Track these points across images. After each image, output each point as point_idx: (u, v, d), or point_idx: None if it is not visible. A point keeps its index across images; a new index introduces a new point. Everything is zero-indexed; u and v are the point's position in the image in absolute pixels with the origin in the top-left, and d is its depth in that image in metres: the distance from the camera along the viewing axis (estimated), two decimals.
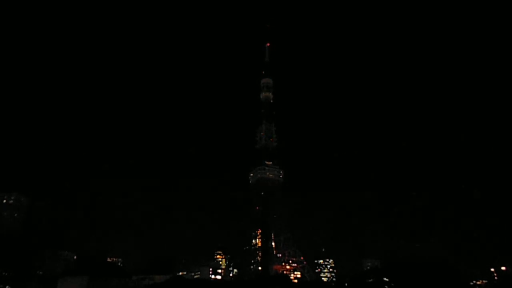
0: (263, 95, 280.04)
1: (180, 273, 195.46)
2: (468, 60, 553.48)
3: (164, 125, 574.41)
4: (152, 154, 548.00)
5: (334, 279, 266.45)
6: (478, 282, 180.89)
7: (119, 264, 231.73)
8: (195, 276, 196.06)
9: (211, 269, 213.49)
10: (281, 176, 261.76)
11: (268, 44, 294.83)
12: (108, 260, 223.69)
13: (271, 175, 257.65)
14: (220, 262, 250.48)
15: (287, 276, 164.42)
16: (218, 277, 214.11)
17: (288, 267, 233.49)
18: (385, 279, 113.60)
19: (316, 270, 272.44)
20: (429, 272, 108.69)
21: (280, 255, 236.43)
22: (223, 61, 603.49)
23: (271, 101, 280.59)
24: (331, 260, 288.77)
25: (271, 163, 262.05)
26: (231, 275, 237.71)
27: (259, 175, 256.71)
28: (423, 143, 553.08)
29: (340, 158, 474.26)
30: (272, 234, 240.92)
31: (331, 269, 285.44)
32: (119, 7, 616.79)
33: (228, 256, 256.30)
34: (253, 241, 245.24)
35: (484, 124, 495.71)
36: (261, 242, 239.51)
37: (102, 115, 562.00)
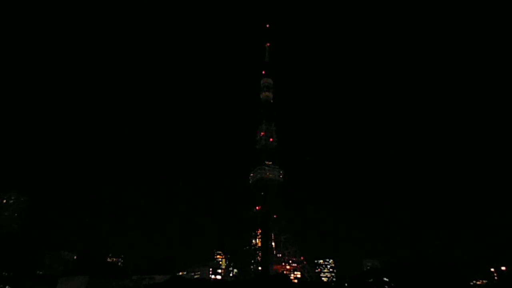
0: (263, 95, 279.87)
1: (180, 273, 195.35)
2: (467, 60, 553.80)
3: (164, 125, 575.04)
4: (152, 154, 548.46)
5: (334, 279, 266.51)
6: (478, 282, 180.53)
7: (119, 264, 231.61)
8: (195, 276, 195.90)
9: (211, 269, 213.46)
10: (281, 176, 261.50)
11: (268, 44, 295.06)
12: (108, 260, 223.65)
13: (271, 175, 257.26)
14: (220, 262, 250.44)
15: (287, 276, 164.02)
16: (218, 277, 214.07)
17: (288, 267, 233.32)
18: (385, 279, 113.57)
19: (316, 270, 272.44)
20: (429, 272, 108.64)
21: (280, 255, 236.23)
22: (223, 61, 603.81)
23: (271, 101, 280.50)
24: (331, 260, 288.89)
25: (271, 163, 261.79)
26: (231, 275, 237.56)
27: (259, 175, 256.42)
28: (422, 143, 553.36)
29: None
30: (272, 234, 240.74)
31: (331, 269, 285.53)
32: (119, 7, 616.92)
33: (228, 256, 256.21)
34: (253, 241, 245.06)
35: (482, 124, 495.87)
36: (261, 242, 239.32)
37: (102, 114, 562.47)
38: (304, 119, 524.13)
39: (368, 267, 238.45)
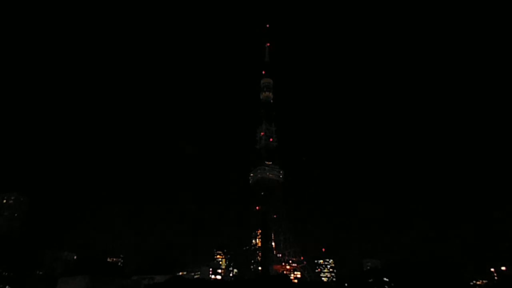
0: (263, 95, 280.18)
1: (180, 273, 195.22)
2: (468, 60, 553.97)
3: (164, 125, 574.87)
4: (152, 154, 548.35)
5: (334, 279, 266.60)
6: (478, 282, 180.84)
7: (119, 264, 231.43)
8: (195, 276, 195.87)
9: (211, 269, 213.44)
10: (281, 176, 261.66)
11: (268, 44, 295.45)
12: (108, 260, 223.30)
13: (271, 175, 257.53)
14: (220, 262, 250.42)
15: (287, 276, 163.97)
16: (218, 277, 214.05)
17: (288, 267, 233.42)
18: (385, 279, 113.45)
19: (316, 270, 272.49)
20: (429, 272, 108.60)
21: (280, 255, 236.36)
22: (223, 61, 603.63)
23: (271, 101, 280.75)
24: (331, 260, 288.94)
25: (271, 163, 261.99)
26: (231, 275, 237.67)
27: (259, 175, 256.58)
28: (422, 143, 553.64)
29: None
30: (272, 234, 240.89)
31: (331, 269, 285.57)
32: (119, 7, 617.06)
33: (228, 256, 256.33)
34: (253, 241, 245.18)
35: (481, 124, 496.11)
36: (261, 242, 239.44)
37: (101, 114, 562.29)
38: (304, 119, 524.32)
39: (368, 267, 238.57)
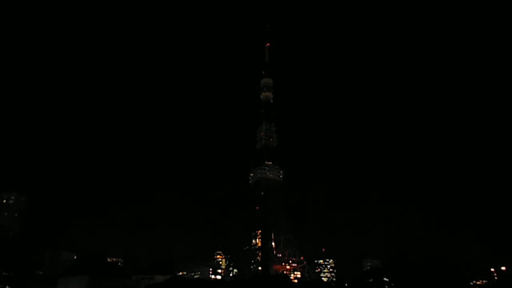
0: (263, 95, 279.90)
1: (180, 273, 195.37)
2: (468, 60, 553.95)
3: (164, 125, 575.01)
4: (152, 153, 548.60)
5: (334, 279, 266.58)
6: (478, 282, 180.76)
7: (119, 264, 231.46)
8: (195, 276, 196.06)
9: (211, 269, 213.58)
10: (281, 176, 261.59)
11: (268, 44, 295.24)
12: (108, 260, 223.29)
13: (271, 175, 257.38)
14: (220, 262, 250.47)
15: (287, 276, 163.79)
16: (218, 277, 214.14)
17: (288, 267, 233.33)
18: (385, 279, 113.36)
19: (316, 270, 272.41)
20: (429, 272, 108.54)
21: (280, 255, 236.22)
22: (223, 61, 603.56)
23: (271, 101, 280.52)
24: (331, 260, 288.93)
25: (271, 163, 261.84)
26: (231, 275, 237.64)
27: (259, 175, 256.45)
28: (423, 143, 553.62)
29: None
30: (272, 234, 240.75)
31: (331, 269, 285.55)
32: (119, 7, 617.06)
33: (228, 256, 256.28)
34: (253, 241, 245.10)
35: (482, 124, 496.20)
36: (261, 242, 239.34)
37: (101, 114, 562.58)
38: (304, 119, 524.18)
39: (368, 267, 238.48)
